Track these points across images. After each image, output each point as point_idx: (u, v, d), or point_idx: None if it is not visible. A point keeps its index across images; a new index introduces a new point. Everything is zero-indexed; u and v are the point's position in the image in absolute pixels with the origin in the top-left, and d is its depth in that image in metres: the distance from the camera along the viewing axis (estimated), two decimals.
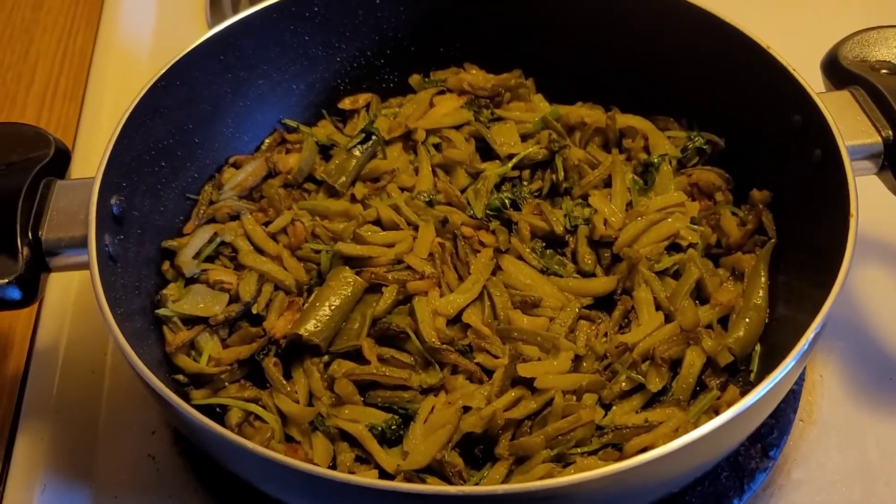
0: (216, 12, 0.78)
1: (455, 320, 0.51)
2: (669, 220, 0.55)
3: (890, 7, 0.75)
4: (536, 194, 0.58)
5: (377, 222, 0.56)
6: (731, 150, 0.58)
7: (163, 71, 0.53)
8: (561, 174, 0.58)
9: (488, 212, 0.57)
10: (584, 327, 0.51)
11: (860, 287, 0.57)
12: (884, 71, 0.51)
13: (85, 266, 0.45)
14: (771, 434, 0.50)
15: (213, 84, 0.58)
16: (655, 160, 0.57)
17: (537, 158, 0.59)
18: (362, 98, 0.64)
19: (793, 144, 0.51)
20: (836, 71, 0.52)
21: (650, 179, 0.57)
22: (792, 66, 0.51)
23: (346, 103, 0.64)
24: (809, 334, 0.40)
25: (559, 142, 0.59)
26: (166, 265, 0.54)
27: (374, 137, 0.60)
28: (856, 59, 0.52)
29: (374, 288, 0.52)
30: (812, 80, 0.52)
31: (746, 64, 0.53)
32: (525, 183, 0.59)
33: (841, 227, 0.44)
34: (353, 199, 0.57)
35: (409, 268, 0.53)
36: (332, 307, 0.50)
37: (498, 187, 0.59)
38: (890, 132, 0.48)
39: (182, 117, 0.56)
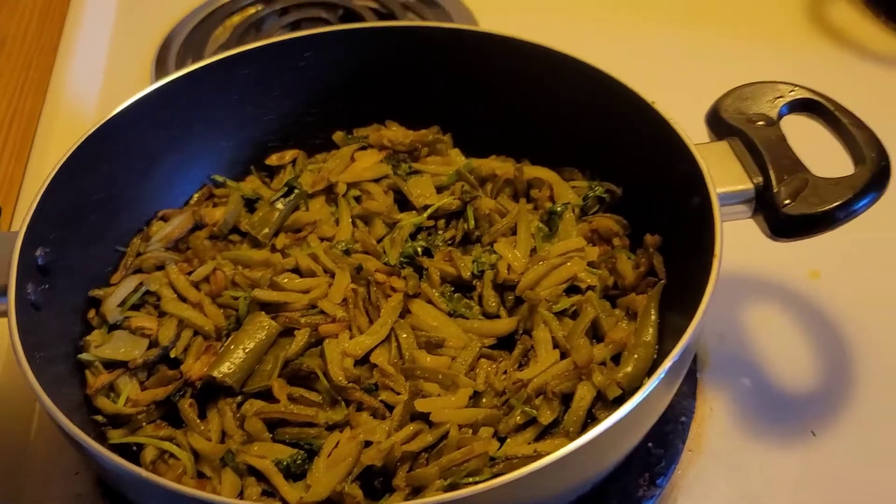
0: (161, 73, 0.82)
1: (364, 361, 0.54)
2: (569, 264, 0.58)
3: (768, 62, 0.80)
4: (450, 242, 0.62)
5: (297, 270, 0.60)
6: (628, 198, 0.61)
7: (93, 129, 0.57)
8: (471, 223, 0.62)
9: (402, 259, 0.60)
10: (485, 365, 0.54)
11: (752, 325, 0.61)
12: (760, 123, 0.55)
13: (5, 314, 0.49)
14: (659, 463, 0.53)
15: (144, 141, 0.61)
16: (559, 208, 0.61)
17: (451, 208, 0.63)
18: (289, 154, 0.68)
19: (678, 192, 0.55)
20: (717, 123, 0.56)
21: (554, 226, 0.61)
22: (674, 119, 0.55)
23: (273, 159, 0.67)
24: (666, 363, 0.43)
25: (471, 193, 0.63)
26: (92, 313, 0.57)
27: (296, 191, 0.64)
28: (735, 112, 0.56)
29: (289, 331, 0.55)
30: (700, 132, 0.57)
31: (636, 118, 0.57)
32: (440, 231, 0.63)
33: (708, 267, 0.48)
34: (274, 248, 0.61)
35: (322, 312, 0.56)
36: (247, 350, 0.54)
37: (414, 236, 0.62)
38: (760, 179, 0.52)
39: (114, 173, 0.60)
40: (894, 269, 0.64)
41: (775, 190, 0.51)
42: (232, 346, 0.54)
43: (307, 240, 0.62)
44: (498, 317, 0.57)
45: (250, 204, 0.64)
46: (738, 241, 0.53)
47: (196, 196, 0.64)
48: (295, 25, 0.88)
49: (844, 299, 0.61)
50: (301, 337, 0.54)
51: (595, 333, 0.56)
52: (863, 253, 0.64)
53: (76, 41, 0.85)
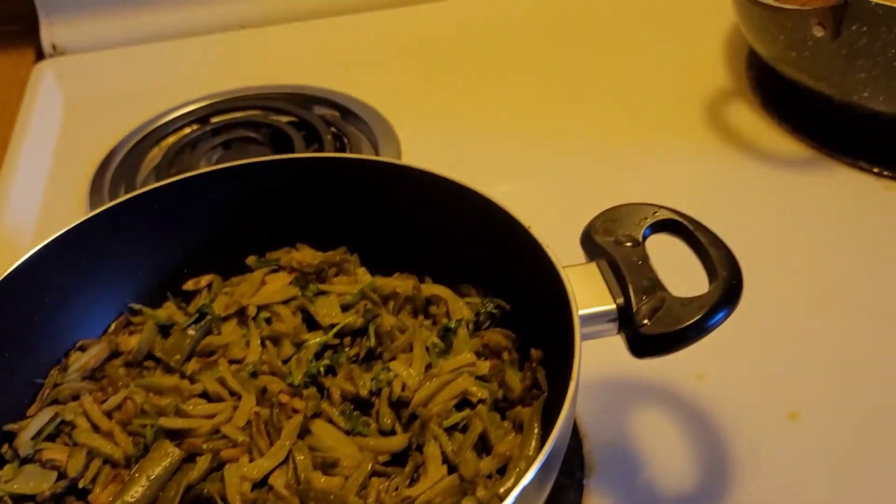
0: (95, 200, 0.87)
1: (263, 483, 0.58)
2: (459, 379, 0.62)
3: (669, 168, 0.84)
4: (354, 359, 0.66)
5: (206, 395, 0.63)
6: (518, 313, 0.65)
7: (4, 276, 0.61)
8: (373, 340, 0.66)
9: (307, 379, 0.64)
10: (376, 483, 0.57)
11: (640, 430, 0.64)
12: (627, 244, 0.59)
13: None
14: None
15: (61, 278, 0.65)
16: (453, 325, 0.65)
17: (356, 326, 0.67)
18: (204, 279, 0.72)
19: (554, 310, 0.58)
20: (589, 244, 0.60)
21: (449, 342, 0.65)
22: (546, 243, 0.59)
23: (189, 285, 0.71)
24: (526, 476, 0.47)
25: (373, 311, 0.67)
26: (5, 447, 0.60)
27: (208, 316, 0.68)
28: (604, 234, 0.60)
29: (193, 456, 0.59)
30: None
31: (516, 241, 0.61)
32: (346, 349, 0.67)
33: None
34: (183, 375, 0.65)
35: (224, 437, 0.60)
36: (150, 478, 0.57)
37: (321, 354, 0.66)
38: (622, 300, 0.56)
39: (29, 310, 0.63)
40: (777, 370, 0.67)
41: (634, 310, 0.55)
42: (137, 475, 0.57)
43: (218, 363, 0.65)
44: (394, 433, 0.61)
45: (166, 330, 0.68)
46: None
47: (113, 325, 0.68)
48: (227, 145, 0.93)
49: (729, 401, 0.65)
50: (203, 462, 0.58)
51: (484, 446, 0.60)
52: (747, 354, 0.68)
53: (14, 170, 0.89)
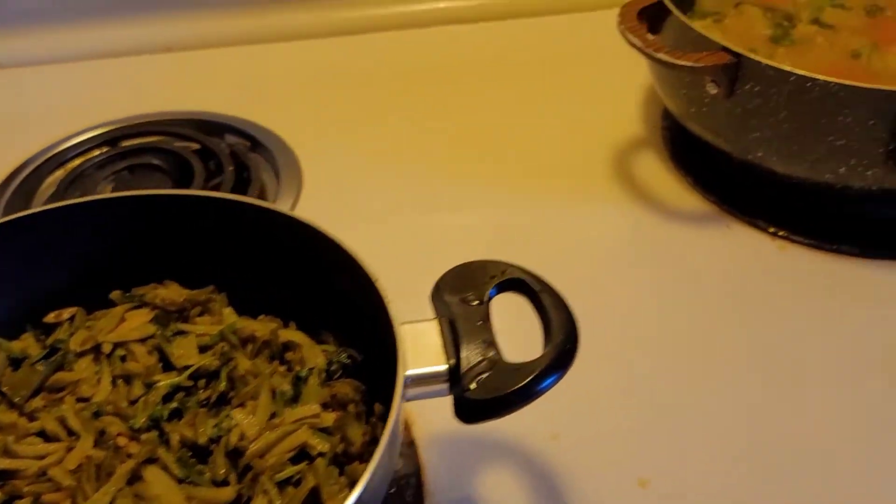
0: None
1: None
2: (300, 431, 0.60)
3: (577, 219, 0.83)
4: (205, 403, 0.64)
5: (44, 433, 0.62)
6: (371, 364, 0.64)
7: None
8: (223, 384, 0.64)
9: (150, 422, 0.62)
10: None
11: (494, 489, 0.62)
12: (474, 302, 0.58)
13: None
14: None
15: None
16: (304, 373, 0.64)
17: (211, 369, 0.65)
18: (66, 312, 0.70)
19: (393, 366, 0.57)
20: (437, 301, 0.59)
21: (299, 391, 0.63)
22: (388, 298, 0.58)
23: (50, 317, 0.70)
24: None
25: (228, 354, 0.66)
26: None
27: (60, 351, 0.66)
28: (451, 291, 0.59)
29: (13, 499, 0.57)
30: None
31: (368, 293, 0.60)
32: (200, 391, 0.66)
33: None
34: (21, 412, 0.63)
35: (50, 480, 0.58)
36: None
37: (172, 396, 0.65)
38: (454, 361, 0.55)
39: None
40: (631, 435, 0.66)
41: (463, 372, 0.54)
42: None
43: (64, 401, 0.64)
44: (227, 483, 0.59)
45: (18, 363, 0.67)
46: None
47: None
48: (131, 170, 0.91)
49: (581, 463, 0.64)
50: None
51: (317, 501, 0.59)
52: (605, 416, 0.67)
53: None
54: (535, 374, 0.53)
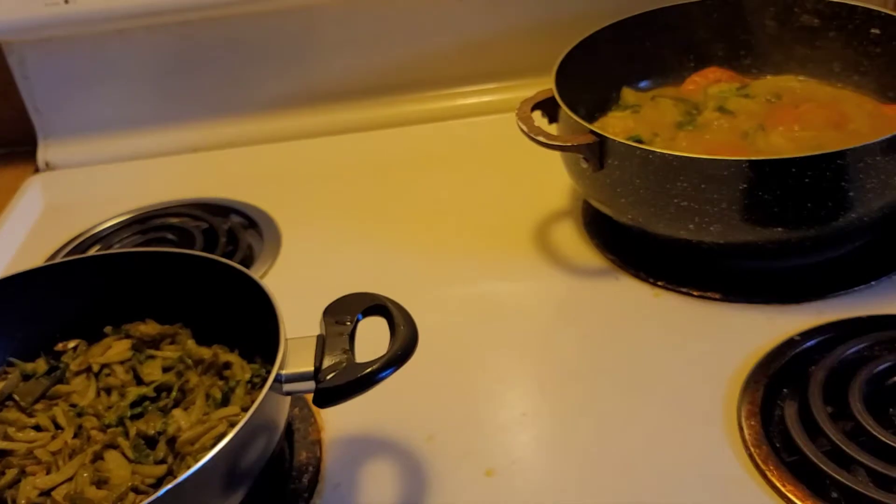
0: None
1: (49, 493, 0.75)
2: (220, 425, 0.78)
3: (492, 280, 1.00)
4: (162, 408, 0.83)
5: (39, 427, 0.82)
6: None
7: None
8: (175, 394, 0.83)
9: (116, 420, 0.82)
10: (133, 497, 0.74)
11: (369, 479, 0.78)
12: (347, 322, 0.75)
13: None
14: None
15: None
16: (233, 384, 0.82)
17: (170, 383, 0.85)
18: (72, 342, 0.91)
19: None
20: (322, 323, 0.76)
21: (227, 398, 0.82)
22: (283, 320, 0.76)
23: (59, 346, 0.91)
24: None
25: (183, 372, 0.85)
26: None
27: (60, 368, 0.87)
28: (334, 313, 0.76)
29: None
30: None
31: (276, 320, 0.78)
32: (162, 399, 0.85)
33: None
34: (23, 410, 0.84)
35: (35, 458, 0.78)
36: None
37: (139, 403, 0.84)
38: (318, 363, 0.72)
39: None
40: (491, 439, 0.81)
41: (323, 370, 0.71)
42: None
43: (58, 404, 0.84)
44: (165, 462, 0.78)
45: (29, 378, 0.88)
46: (371, 405, 0.74)
47: None
48: (149, 243, 1.14)
49: (453, 459, 0.79)
50: (10, 473, 0.76)
51: None
52: (473, 419, 0.82)
53: None
54: (373, 368, 0.69)
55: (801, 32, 1.12)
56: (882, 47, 1.06)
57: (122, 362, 0.88)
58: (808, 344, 0.82)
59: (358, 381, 0.69)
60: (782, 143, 0.99)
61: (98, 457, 0.78)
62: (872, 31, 1.06)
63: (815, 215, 0.84)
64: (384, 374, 0.70)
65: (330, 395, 0.70)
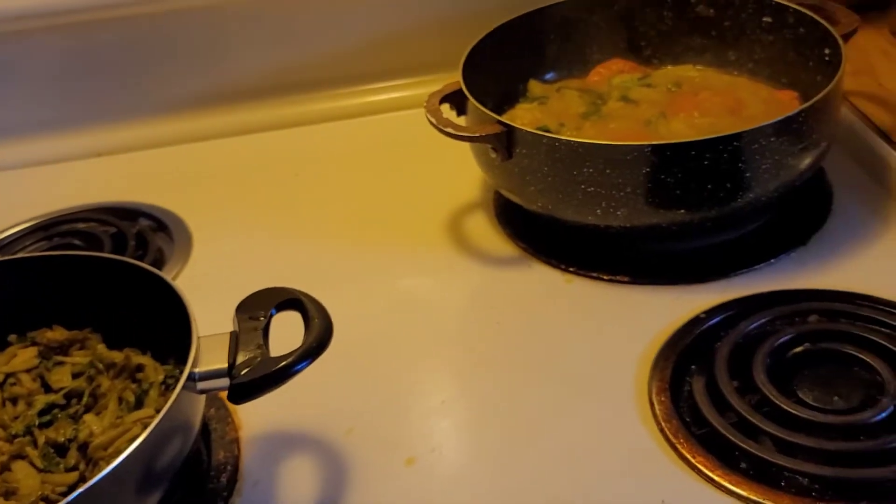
0: None
1: None
2: (134, 428, 0.77)
3: (405, 266, 1.01)
4: (73, 415, 0.81)
5: None
6: None
7: None
8: (86, 399, 0.81)
9: (23, 429, 0.79)
10: None
11: (288, 474, 0.78)
12: (261, 318, 0.75)
13: None
14: None
15: None
16: (146, 387, 0.81)
17: (81, 389, 0.83)
18: None
19: None
20: (235, 319, 0.76)
21: (141, 400, 0.80)
22: (193, 315, 0.75)
23: None
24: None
25: (94, 377, 0.83)
26: None
27: None
28: (248, 309, 0.76)
29: None
30: None
31: (187, 319, 0.77)
32: (73, 406, 0.83)
33: None
34: None
35: None
36: None
37: (48, 411, 0.82)
38: (232, 360, 0.71)
39: None
40: (405, 430, 0.81)
41: (237, 366, 0.70)
42: None
43: None
44: (77, 469, 0.76)
45: None
46: (289, 401, 0.73)
47: None
48: (55, 249, 1.11)
49: (373, 450, 0.79)
50: None
51: None
52: (391, 410, 0.82)
53: None
54: (288, 361, 0.69)
55: (697, 23, 1.16)
56: (774, 35, 1.10)
57: (28, 370, 0.85)
58: (714, 321, 0.85)
59: (273, 375, 0.69)
60: (683, 130, 1.02)
61: (5, 468, 0.76)
62: (764, 19, 1.10)
63: (715, 196, 0.87)
64: (299, 366, 0.69)
65: (245, 390, 0.70)
